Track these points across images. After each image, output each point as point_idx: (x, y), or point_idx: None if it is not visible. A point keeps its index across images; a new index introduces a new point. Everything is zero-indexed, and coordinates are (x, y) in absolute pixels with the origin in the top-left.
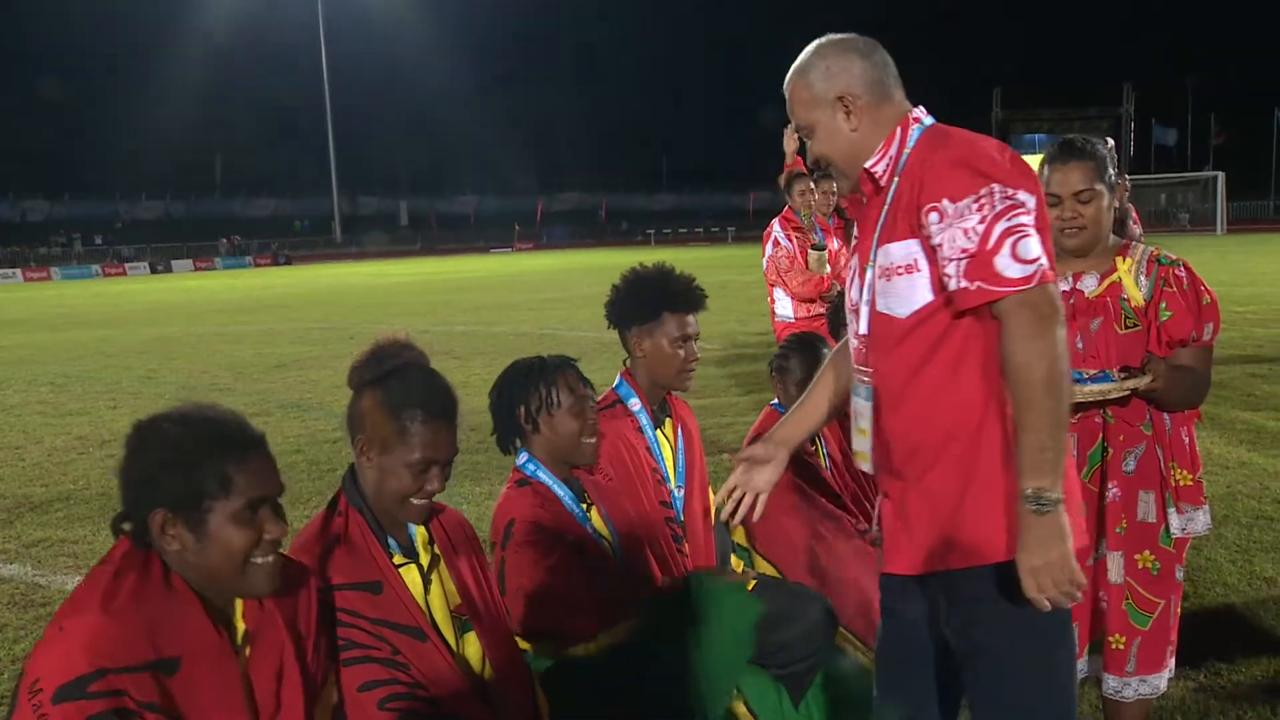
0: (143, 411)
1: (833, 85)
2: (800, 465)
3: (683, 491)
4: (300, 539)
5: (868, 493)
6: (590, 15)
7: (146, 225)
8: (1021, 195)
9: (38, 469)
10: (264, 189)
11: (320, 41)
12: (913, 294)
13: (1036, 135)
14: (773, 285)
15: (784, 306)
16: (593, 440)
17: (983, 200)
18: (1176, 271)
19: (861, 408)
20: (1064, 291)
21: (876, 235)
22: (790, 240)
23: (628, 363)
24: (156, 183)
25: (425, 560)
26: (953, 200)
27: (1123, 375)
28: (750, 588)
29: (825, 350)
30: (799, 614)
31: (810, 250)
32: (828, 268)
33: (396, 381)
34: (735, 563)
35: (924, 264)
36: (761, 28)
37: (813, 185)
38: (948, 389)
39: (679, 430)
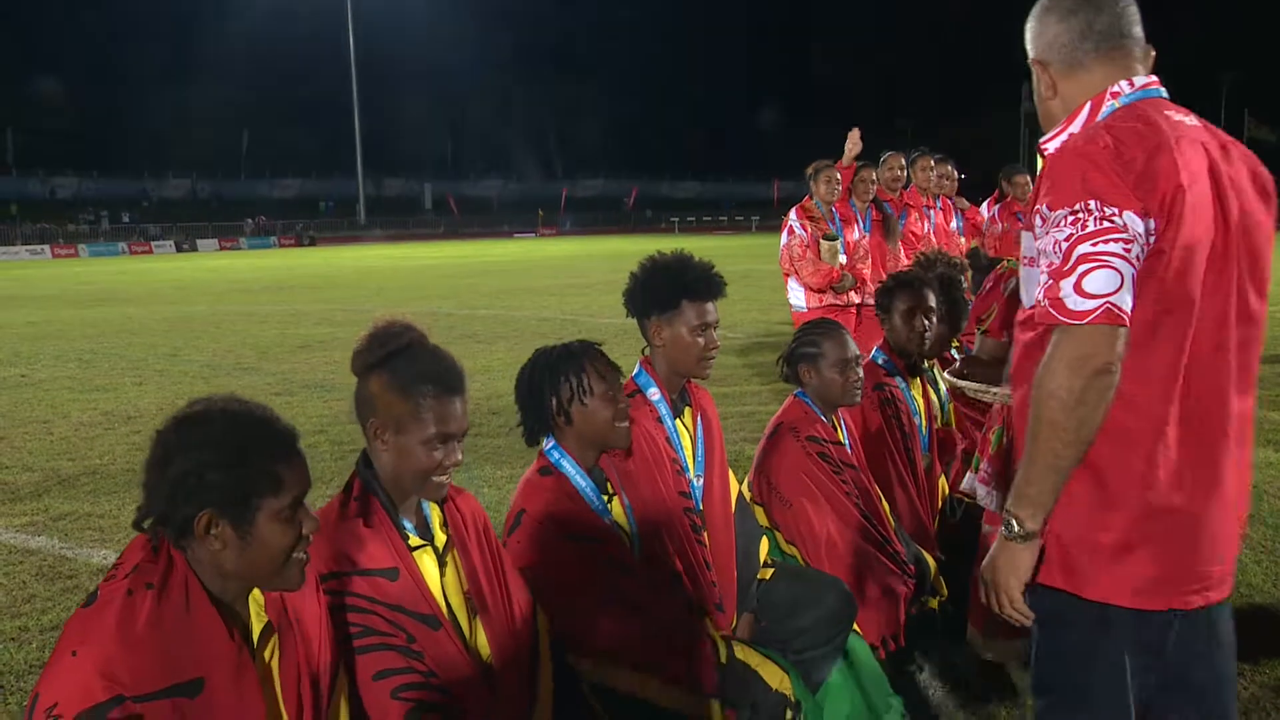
0: (168, 389)
1: (1032, 48)
2: (823, 454)
3: (702, 480)
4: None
5: (888, 486)
6: (616, 2)
7: (173, 204)
8: (1125, 218)
9: (65, 443)
10: (289, 170)
11: (348, 23)
12: (1033, 288)
13: None
14: (787, 275)
15: (797, 297)
16: (626, 424)
17: (1077, 215)
18: None
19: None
20: None
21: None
22: (805, 229)
23: (647, 351)
24: (183, 162)
25: (441, 542)
26: (1051, 208)
27: None
28: (769, 575)
29: (845, 331)
30: (817, 600)
31: (822, 240)
32: (841, 258)
33: (402, 361)
34: (765, 542)
35: (1042, 265)
36: (789, 16)
37: (838, 176)
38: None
39: (699, 419)
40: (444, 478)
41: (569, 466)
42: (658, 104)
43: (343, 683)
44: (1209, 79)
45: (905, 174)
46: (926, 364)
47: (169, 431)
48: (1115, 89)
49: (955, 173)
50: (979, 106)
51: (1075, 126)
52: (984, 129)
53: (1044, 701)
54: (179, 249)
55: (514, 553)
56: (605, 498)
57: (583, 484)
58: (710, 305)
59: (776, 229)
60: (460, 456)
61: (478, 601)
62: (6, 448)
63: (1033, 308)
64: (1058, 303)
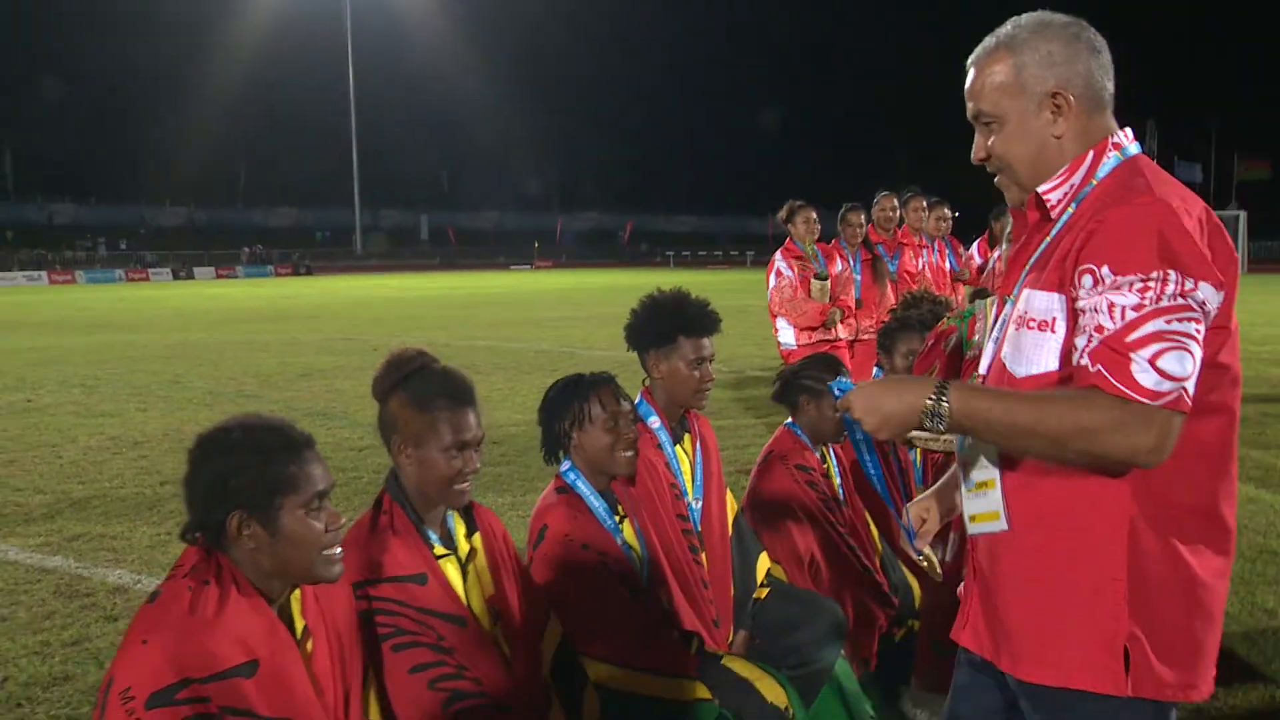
0: (173, 415)
1: (1050, 75)
2: (810, 482)
3: (700, 504)
4: (350, 535)
5: (874, 512)
6: (613, 37)
7: (170, 232)
8: (1203, 292)
9: (74, 467)
10: (286, 199)
11: (348, 54)
12: (1037, 355)
13: None
14: (775, 315)
15: (787, 335)
16: (629, 453)
17: (1151, 285)
18: None
19: (982, 459)
20: None
21: (1025, 274)
22: (792, 269)
23: (647, 382)
24: (180, 190)
25: (464, 552)
26: (1115, 271)
27: None
28: (765, 595)
29: (848, 372)
30: (810, 619)
31: (813, 280)
32: (828, 296)
33: (417, 381)
34: (763, 559)
35: (1062, 326)
36: (785, 53)
37: (814, 215)
38: (1055, 475)
39: (698, 445)
40: (465, 484)
41: (583, 487)
42: (654, 138)
43: (372, 679)
44: (1199, 120)
45: (898, 214)
46: None
47: (195, 449)
48: (1116, 140)
49: (950, 214)
50: (963, 155)
51: (1077, 177)
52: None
53: None
54: (176, 276)
55: (539, 566)
56: (617, 519)
57: (596, 504)
58: (706, 340)
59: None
60: (478, 464)
61: (501, 607)
62: (17, 471)
63: (1036, 376)
64: (1126, 375)
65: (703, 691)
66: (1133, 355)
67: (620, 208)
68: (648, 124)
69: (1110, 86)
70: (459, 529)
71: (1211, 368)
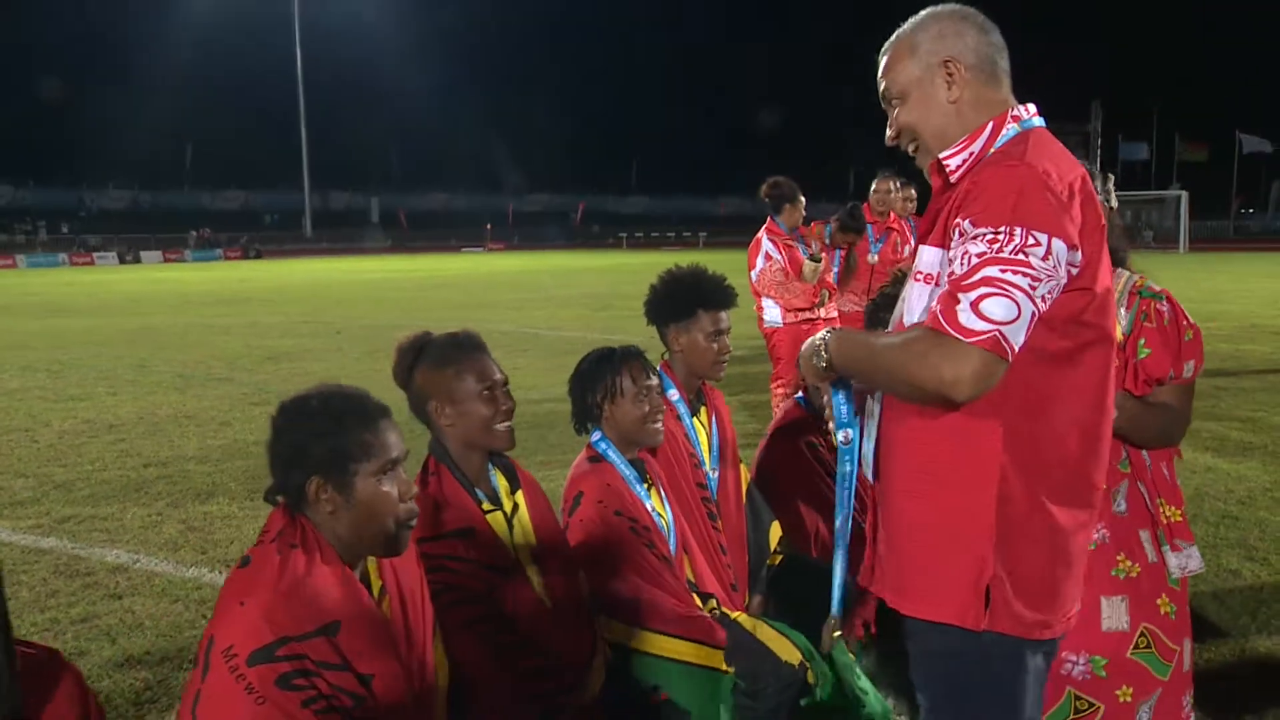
0: (144, 398)
1: (941, 48)
2: (818, 458)
3: (716, 473)
4: None
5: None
6: (562, 16)
7: (113, 215)
8: (1053, 245)
9: (53, 450)
10: (233, 181)
11: (295, 34)
12: (919, 304)
13: None
14: (759, 295)
15: (772, 313)
16: (657, 425)
17: (998, 237)
18: (1158, 306)
19: (870, 408)
20: None
21: (930, 234)
22: (780, 253)
23: (666, 356)
24: (124, 172)
25: (508, 507)
26: (974, 225)
27: None
28: (778, 561)
29: None
30: (819, 590)
31: (806, 262)
32: (818, 278)
33: (429, 351)
34: (775, 528)
35: (945, 280)
36: (730, 33)
37: (803, 199)
38: (934, 428)
39: (714, 417)
40: (506, 424)
41: (614, 455)
42: (604, 120)
43: (438, 632)
44: (1141, 102)
45: (893, 196)
46: None
47: (277, 416)
48: (1016, 112)
49: (915, 195)
50: None
51: (976, 145)
52: None
53: None
54: (122, 260)
55: (574, 531)
56: (645, 486)
57: (626, 472)
58: (723, 314)
59: (723, 245)
60: (513, 403)
61: (544, 559)
62: None
63: (916, 322)
64: (950, 313)
65: (721, 662)
66: (960, 296)
67: (571, 189)
68: (597, 105)
69: (1003, 64)
70: (502, 486)
71: (1077, 325)
